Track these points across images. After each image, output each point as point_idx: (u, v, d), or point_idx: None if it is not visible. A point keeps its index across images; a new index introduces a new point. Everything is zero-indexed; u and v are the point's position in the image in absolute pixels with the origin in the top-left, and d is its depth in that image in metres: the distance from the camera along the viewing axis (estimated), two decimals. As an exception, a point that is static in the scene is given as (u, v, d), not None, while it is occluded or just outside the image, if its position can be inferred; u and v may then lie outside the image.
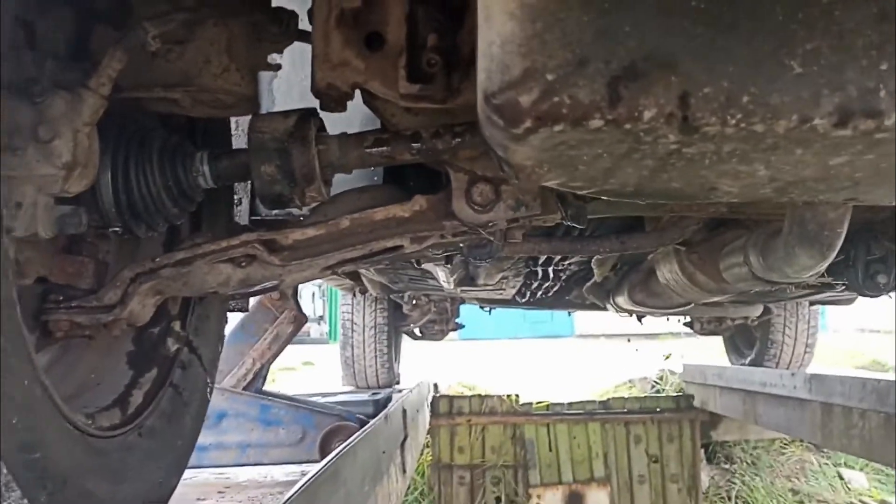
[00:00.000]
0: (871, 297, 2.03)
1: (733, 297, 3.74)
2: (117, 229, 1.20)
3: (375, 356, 5.30)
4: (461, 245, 1.58)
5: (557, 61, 0.76)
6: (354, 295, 5.10)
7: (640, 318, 5.44)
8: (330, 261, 1.29)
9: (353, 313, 5.24)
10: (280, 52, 1.29)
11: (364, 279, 3.90)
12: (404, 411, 3.08)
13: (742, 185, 0.97)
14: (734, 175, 0.93)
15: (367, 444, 1.88)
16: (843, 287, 2.46)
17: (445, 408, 6.24)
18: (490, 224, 1.33)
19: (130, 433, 1.23)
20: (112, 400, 1.27)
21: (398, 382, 5.67)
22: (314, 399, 3.15)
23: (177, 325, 1.46)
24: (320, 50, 1.11)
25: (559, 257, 2.73)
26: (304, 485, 1.25)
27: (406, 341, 6.27)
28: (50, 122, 0.99)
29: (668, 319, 6.11)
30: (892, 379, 3.57)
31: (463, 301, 5.17)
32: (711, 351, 8.53)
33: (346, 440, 2.14)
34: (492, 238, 1.49)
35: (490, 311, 5.98)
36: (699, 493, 6.31)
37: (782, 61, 0.76)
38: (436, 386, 6.92)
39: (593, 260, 2.66)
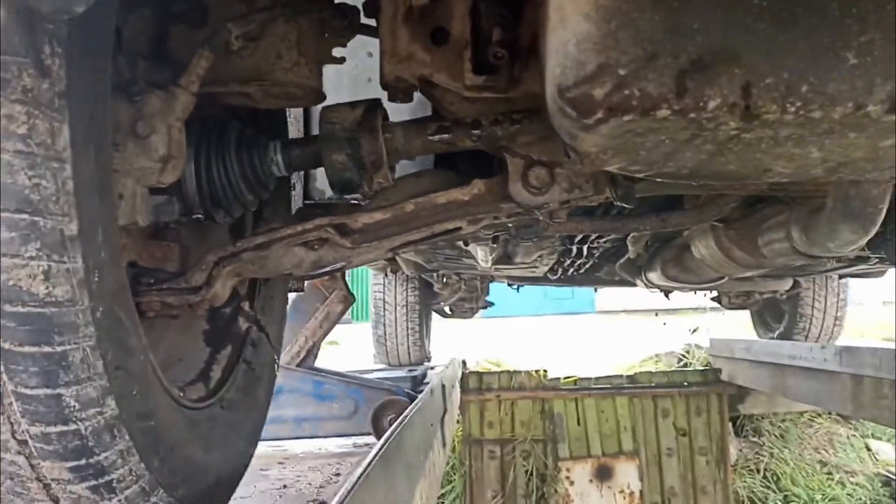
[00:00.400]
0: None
1: (768, 271, 3.80)
2: (199, 216, 1.28)
3: (407, 334, 5.41)
4: (509, 225, 1.65)
5: (630, 57, 0.83)
6: (386, 274, 5.19)
7: (667, 294, 5.50)
8: (395, 243, 1.37)
9: (384, 292, 5.34)
10: (344, 45, 1.36)
11: (398, 259, 3.99)
12: (443, 386, 3.18)
13: (795, 166, 1.03)
14: (788, 157, 1.00)
15: (420, 416, 1.98)
16: (877, 260, 2.52)
17: (475, 384, 6.34)
18: (544, 205, 1.40)
19: (214, 405, 1.32)
20: (196, 374, 1.36)
21: (429, 359, 5.78)
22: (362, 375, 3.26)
23: (246, 306, 1.55)
24: (388, 45, 1.18)
25: (595, 235, 2.79)
26: (378, 451, 1.33)
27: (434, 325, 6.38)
28: (147, 119, 1.07)
29: (695, 293, 6.17)
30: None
31: (493, 279, 5.24)
32: (735, 326, 8.57)
33: (397, 414, 2.23)
34: (541, 218, 1.56)
35: (518, 289, 6.06)
36: (728, 465, 6.37)
37: (839, 53, 0.82)
38: (464, 363, 7.02)
39: (629, 237, 2.72)
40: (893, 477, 6.37)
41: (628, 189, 1.48)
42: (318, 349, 2.96)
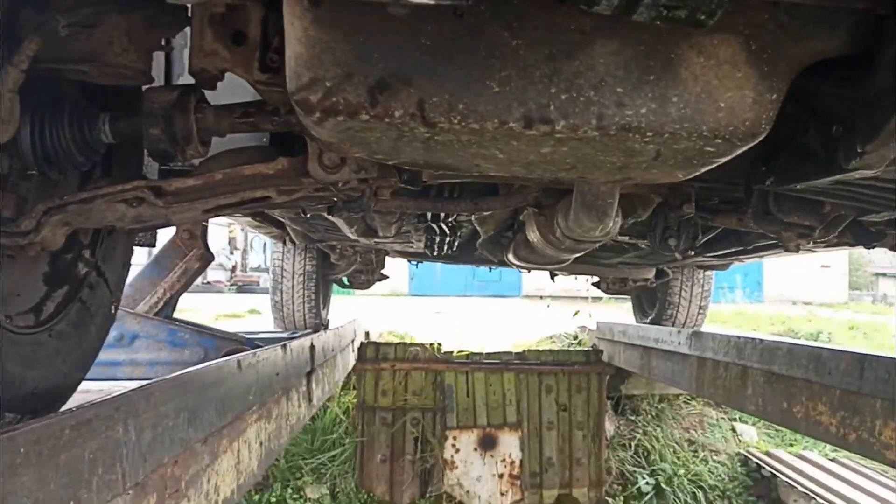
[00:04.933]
0: (666, 255, 2.43)
1: (632, 258, 4.17)
2: (34, 172, 1.51)
3: (304, 301, 5.64)
4: (335, 199, 1.92)
5: (332, 73, 1.11)
6: (285, 243, 5.41)
7: (552, 276, 5.88)
8: (208, 205, 1.63)
9: (283, 260, 5.56)
10: (172, 36, 1.60)
11: (288, 229, 4.23)
12: (312, 346, 3.44)
13: (494, 163, 1.33)
14: (483, 156, 1.30)
15: (256, 360, 2.24)
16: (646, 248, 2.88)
17: (372, 353, 6.65)
18: (339, 183, 1.68)
19: (41, 334, 1.57)
20: (28, 307, 1.60)
21: (326, 327, 6.03)
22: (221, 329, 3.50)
23: (87, 253, 1.79)
24: (196, 42, 1.43)
25: (445, 215, 3.09)
26: (186, 372, 1.59)
27: (363, 300, 6.61)
28: (-21, 89, 1.30)
29: (584, 280, 6.57)
30: (752, 336, 4.05)
31: (387, 253, 5.52)
32: (618, 312, 9.06)
33: (240, 360, 2.48)
34: (358, 194, 1.84)
35: (417, 265, 6.37)
36: (602, 440, 6.85)
37: (485, 82, 1.12)
38: (367, 334, 7.30)
39: (474, 218, 3.03)
40: (751, 456, 6.94)
41: (414, 175, 1.78)
42: (177, 301, 3.19)
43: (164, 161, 1.56)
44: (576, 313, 8.17)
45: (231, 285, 25.61)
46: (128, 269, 1.97)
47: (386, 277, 6.40)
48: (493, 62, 1.11)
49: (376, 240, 3.76)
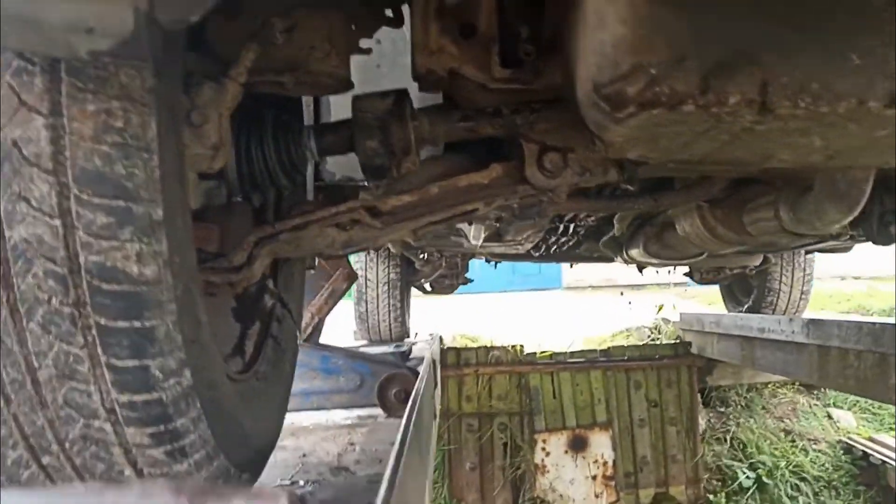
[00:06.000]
0: (884, 244, 2.22)
1: (748, 247, 3.95)
2: (238, 199, 1.35)
3: (389, 311, 5.49)
4: (514, 205, 1.74)
5: (660, 58, 0.92)
6: (368, 252, 5.26)
7: (640, 269, 5.65)
8: (419, 223, 1.46)
9: (366, 270, 5.41)
10: (370, 37, 1.43)
11: (384, 237, 4.07)
12: (433, 361, 3.28)
13: (797, 154, 1.14)
14: (793, 146, 1.11)
15: (427, 390, 2.08)
16: (850, 237, 2.67)
17: (454, 359, 6.46)
18: (557, 188, 1.49)
19: (251, 378, 1.41)
20: (231, 349, 1.44)
21: (408, 336, 5.87)
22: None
23: (270, 284, 1.63)
24: (420, 38, 1.26)
25: (584, 214, 2.90)
26: (409, 419, 1.43)
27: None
28: (200, 109, 1.13)
29: (657, 272, 6.33)
30: (885, 321, 3.81)
31: (473, 256, 5.34)
32: (695, 301, 8.78)
33: (402, 387, 2.33)
34: (544, 199, 1.66)
35: (496, 265, 6.18)
36: (697, 434, 6.60)
37: (845, 54, 0.93)
38: (441, 339, 7.13)
39: (616, 216, 2.84)
40: (854, 443, 6.65)
41: (633, 171, 1.59)
42: (323, 325, 3.04)
43: (378, 178, 1.39)
44: (660, 308, 7.90)
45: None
46: (303, 297, 1.80)
47: (470, 281, 6.23)
48: (853, 28, 0.92)
49: (487, 244, 3.59)
